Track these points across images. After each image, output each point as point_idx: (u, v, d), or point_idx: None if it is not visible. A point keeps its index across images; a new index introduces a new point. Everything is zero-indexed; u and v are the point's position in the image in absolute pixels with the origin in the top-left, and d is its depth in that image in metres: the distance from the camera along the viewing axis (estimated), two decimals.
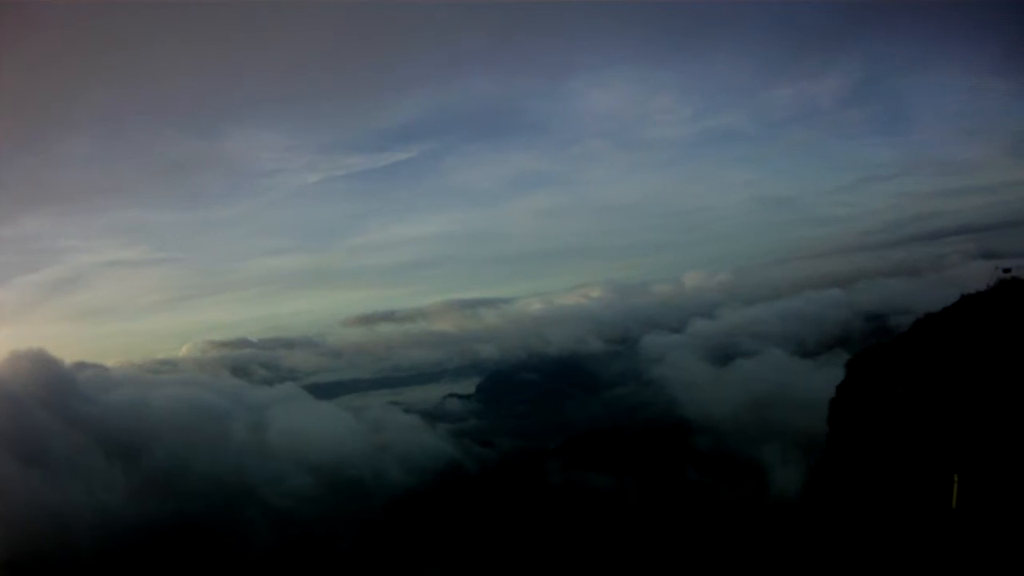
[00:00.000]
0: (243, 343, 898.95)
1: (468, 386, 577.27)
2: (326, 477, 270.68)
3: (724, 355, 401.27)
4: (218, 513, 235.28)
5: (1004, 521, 19.95)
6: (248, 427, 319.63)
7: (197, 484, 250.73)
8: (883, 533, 25.75)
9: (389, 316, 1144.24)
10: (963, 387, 32.70)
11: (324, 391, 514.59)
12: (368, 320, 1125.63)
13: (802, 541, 42.70)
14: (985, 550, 19.84)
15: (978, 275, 57.44)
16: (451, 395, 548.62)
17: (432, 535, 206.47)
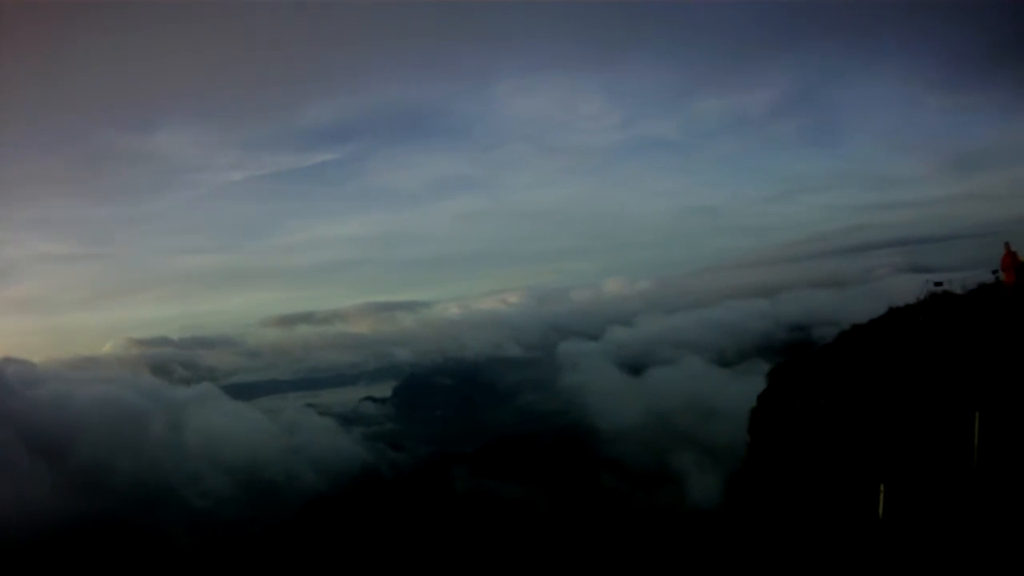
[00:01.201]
0: (164, 342, 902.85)
1: (385, 389, 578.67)
2: (242, 478, 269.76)
3: (641, 363, 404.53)
4: (138, 511, 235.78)
5: (930, 531, 19.61)
6: (167, 427, 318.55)
7: (118, 482, 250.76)
8: (806, 543, 25.32)
9: (307, 317, 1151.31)
10: (888, 399, 32.36)
11: (242, 392, 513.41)
12: (287, 321, 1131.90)
13: (721, 550, 42.40)
14: (912, 560, 19.50)
15: (907, 288, 57.56)
16: (367, 398, 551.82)
17: (345, 540, 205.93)
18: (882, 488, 20.21)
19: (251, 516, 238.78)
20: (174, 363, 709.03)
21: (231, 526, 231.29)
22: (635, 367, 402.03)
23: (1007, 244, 45.66)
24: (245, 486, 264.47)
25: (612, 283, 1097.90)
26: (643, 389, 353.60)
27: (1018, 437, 23.45)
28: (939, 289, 56.21)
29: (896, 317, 50.55)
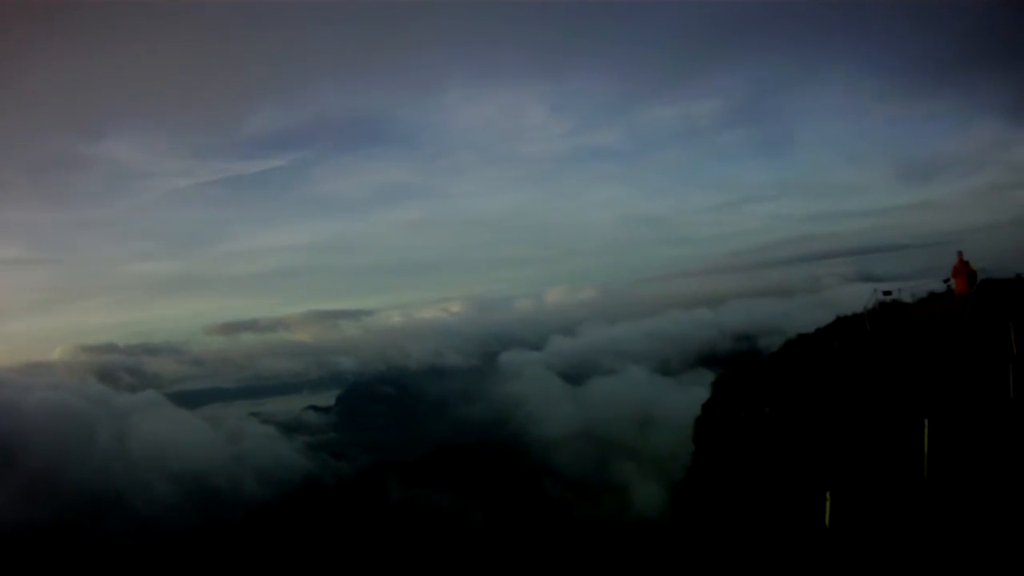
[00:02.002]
0: (110, 348, 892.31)
1: (328, 398, 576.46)
2: (188, 487, 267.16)
3: (584, 373, 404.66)
4: (86, 518, 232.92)
5: (879, 539, 19.34)
6: (113, 434, 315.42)
7: (66, 489, 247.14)
8: (752, 552, 24.97)
9: (251, 325, 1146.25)
10: (835, 407, 32.12)
11: (187, 399, 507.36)
12: (231, 329, 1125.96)
13: (666, 559, 42.12)
14: (860, 569, 19.22)
15: (855, 297, 57.62)
16: (310, 407, 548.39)
17: (288, 548, 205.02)
18: (828, 496, 19.91)
19: (197, 524, 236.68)
20: (121, 370, 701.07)
21: (178, 533, 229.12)
22: (577, 377, 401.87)
23: (959, 253, 45.63)
24: (191, 494, 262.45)
25: (555, 292, 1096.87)
26: (585, 399, 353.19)
27: (968, 445, 23.29)
28: (888, 298, 56.23)
29: (843, 326, 50.52)
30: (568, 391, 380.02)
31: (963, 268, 45.45)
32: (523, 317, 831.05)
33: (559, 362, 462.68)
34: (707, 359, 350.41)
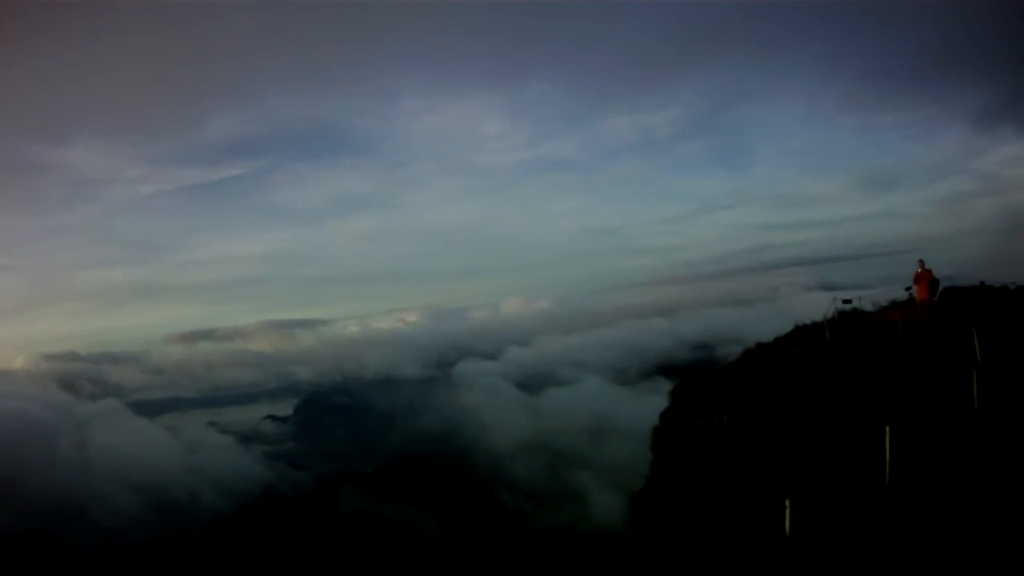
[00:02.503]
0: (72, 357, 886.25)
1: (286, 407, 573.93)
2: (148, 497, 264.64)
3: (540, 383, 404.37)
4: (49, 527, 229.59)
5: (838, 546, 19.19)
6: (75, 444, 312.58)
7: (28, 499, 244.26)
8: (712, 561, 24.77)
9: (209, 334, 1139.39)
10: (795, 415, 31.91)
11: (148, 408, 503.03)
12: (189, 338, 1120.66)
13: (625, 569, 41.89)
14: (821, 575, 19.10)
15: (814, 306, 57.43)
16: (269, 416, 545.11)
17: (249, 560, 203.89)
18: (788, 504, 19.70)
19: (158, 534, 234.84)
20: (82, 379, 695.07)
21: (139, 544, 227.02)
22: (533, 387, 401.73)
23: (921, 261, 45.86)
24: (151, 504, 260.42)
25: (511, 303, 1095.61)
26: (541, 409, 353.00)
27: (931, 452, 23.15)
28: (848, 306, 56.16)
29: (802, 334, 50.37)
30: (524, 401, 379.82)
31: (925, 275, 45.52)
32: (479, 327, 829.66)
33: (515, 372, 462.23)
34: (664, 369, 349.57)
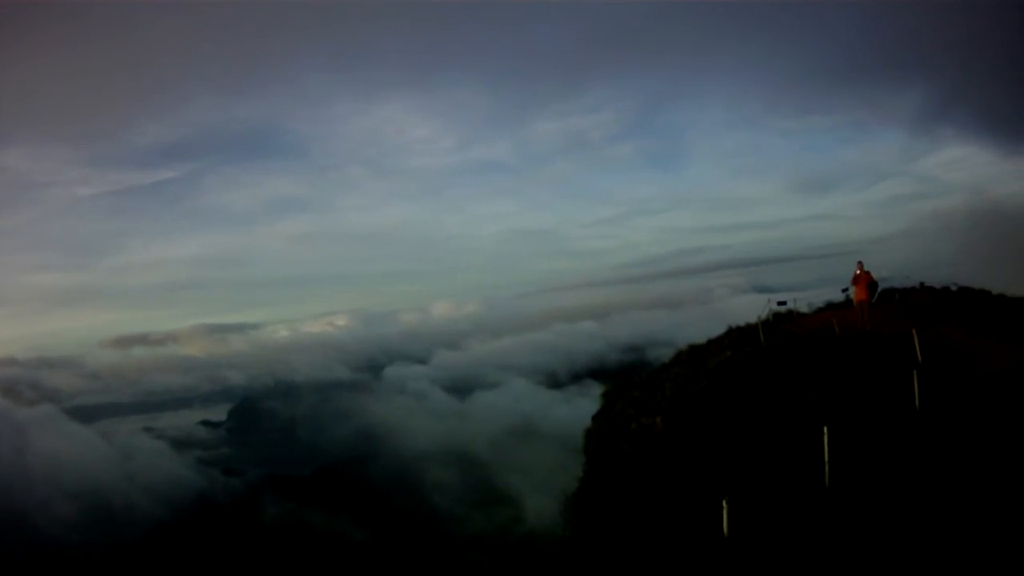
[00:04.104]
0: (10, 362, 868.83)
1: (220, 413, 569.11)
2: (86, 504, 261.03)
3: (468, 386, 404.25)
4: None
5: (777, 546, 18.74)
6: (13, 450, 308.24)
7: None
8: (648, 562, 24.16)
9: (143, 339, 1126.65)
10: (731, 416, 31.47)
11: (85, 414, 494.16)
12: (123, 343, 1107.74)
13: (561, 570, 41.31)
14: (759, 575, 18.65)
15: (748, 308, 57.07)
16: (203, 422, 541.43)
17: (184, 569, 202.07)
18: (725, 505, 19.21)
19: (98, 541, 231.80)
20: (21, 384, 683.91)
21: (78, 551, 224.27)
22: (462, 390, 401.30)
23: (859, 263, 45.65)
24: (90, 511, 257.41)
25: (441, 306, 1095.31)
26: (470, 412, 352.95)
27: (873, 454, 22.80)
28: (783, 308, 55.89)
29: (736, 336, 50.04)
30: (453, 405, 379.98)
31: (863, 277, 45.24)
32: (409, 331, 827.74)
33: (444, 376, 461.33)
34: (595, 372, 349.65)
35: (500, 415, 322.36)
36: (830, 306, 57.07)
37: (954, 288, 56.95)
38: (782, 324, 51.81)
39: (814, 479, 22.15)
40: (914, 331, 33.82)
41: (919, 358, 31.79)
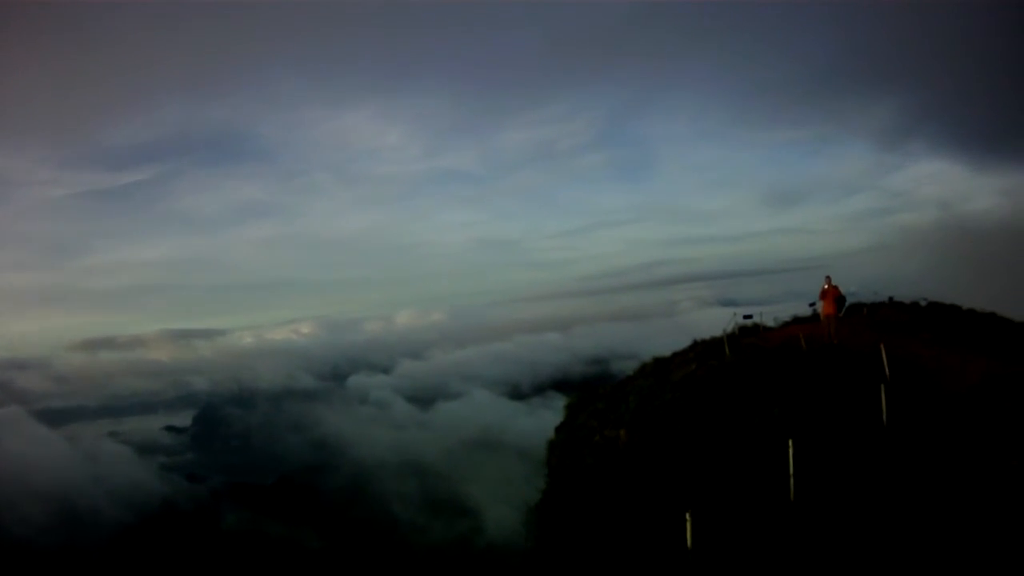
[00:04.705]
0: None
1: (185, 418, 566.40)
2: (53, 508, 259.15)
3: (431, 396, 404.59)
4: None
5: (742, 559, 18.65)
6: None
7: None
8: (613, 574, 23.93)
9: (110, 343, 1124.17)
10: (694, 430, 31.15)
11: (53, 417, 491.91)
12: (90, 346, 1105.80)
13: None
14: None
15: (714, 321, 56.78)
16: (168, 427, 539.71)
17: (145, 572, 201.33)
18: (688, 517, 18.97)
19: (65, 543, 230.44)
20: None
21: (46, 553, 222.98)
22: (425, 400, 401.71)
23: (827, 277, 45.65)
24: (56, 515, 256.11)
25: (405, 315, 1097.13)
26: (433, 423, 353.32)
27: (839, 468, 22.63)
28: (748, 321, 55.63)
29: (701, 349, 49.78)
30: (415, 415, 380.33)
31: (831, 291, 45.13)
32: (373, 339, 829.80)
33: (407, 386, 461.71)
34: (558, 383, 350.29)
35: (462, 426, 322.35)
36: (797, 320, 56.91)
37: (923, 303, 56.98)
38: (748, 338, 51.52)
39: (779, 492, 21.94)
40: (882, 346, 33.61)
41: (887, 373, 31.60)
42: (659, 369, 47.95)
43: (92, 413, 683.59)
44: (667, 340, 60.73)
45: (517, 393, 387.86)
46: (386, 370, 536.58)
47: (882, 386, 26.62)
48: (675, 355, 50.69)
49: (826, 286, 45.26)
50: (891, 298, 59.60)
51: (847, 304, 48.85)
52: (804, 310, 56.12)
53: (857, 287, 60.23)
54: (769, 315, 58.68)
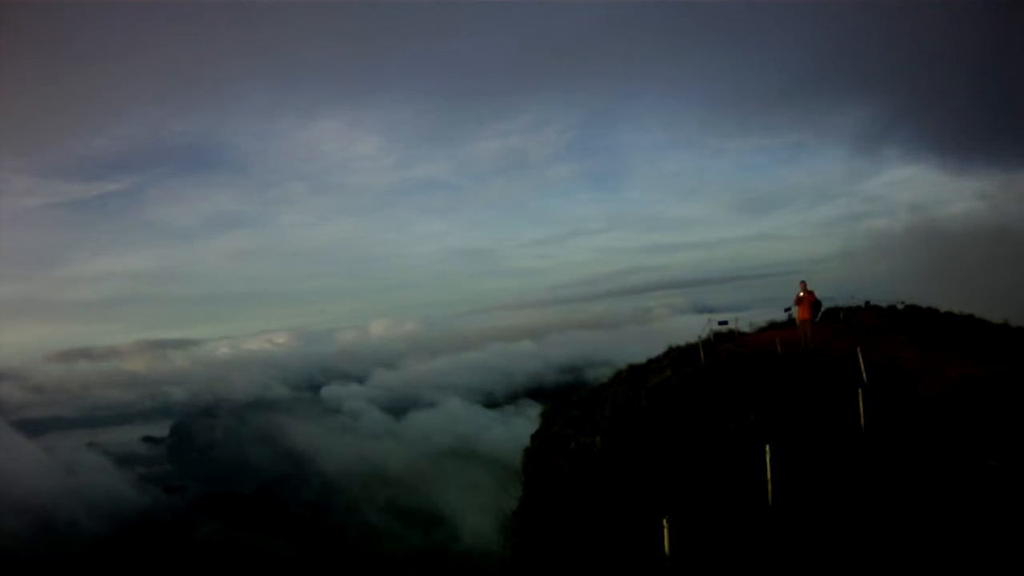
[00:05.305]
0: None
1: (162, 428, 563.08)
2: (29, 518, 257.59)
3: (405, 406, 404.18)
4: None
5: (719, 564, 18.93)
6: None
7: None
8: None
9: (87, 353, 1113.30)
10: (670, 436, 30.99)
11: (30, 427, 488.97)
12: (67, 356, 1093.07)
13: None
14: None
15: (689, 329, 56.57)
16: (146, 437, 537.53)
17: None
18: (666, 523, 18.78)
19: (40, 555, 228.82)
20: None
21: (20, 564, 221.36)
22: (398, 410, 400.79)
23: (803, 283, 45.66)
24: (34, 525, 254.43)
25: (379, 324, 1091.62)
26: (407, 432, 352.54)
27: (818, 472, 22.47)
28: (724, 328, 55.49)
29: (676, 356, 49.60)
30: (389, 424, 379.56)
31: (807, 297, 44.99)
32: (347, 349, 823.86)
33: (381, 395, 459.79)
34: (532, 392, 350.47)
35: (436, 435, 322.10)
36: (773, 326, 56.76)
37: (900, 307, 56.87)
38: (723, 344, 51.38)
39: (757, 497, 21.82)
40: (859, 349, 33.49)
41: (864, 377, 31.48)
42: (634, 376, 47.76)
43: (70, 423, 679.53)
44: (641, 347, 60.46)
45: (491, 401, 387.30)
46: (360, 380, 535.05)
47: (859, 390, 26.47)
48: (650, 362, 50.52)
49: (802, 292, 45.14)
50: (868, 302, 59.52)
51: (823, 309, 48.81)
52: (780, 316, 56.07)
53: (834, 292, 60.31)
54: (744, 321, 58.52)
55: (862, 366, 32.20)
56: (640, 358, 51.99)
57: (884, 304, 58.35)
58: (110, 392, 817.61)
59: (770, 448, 21.63)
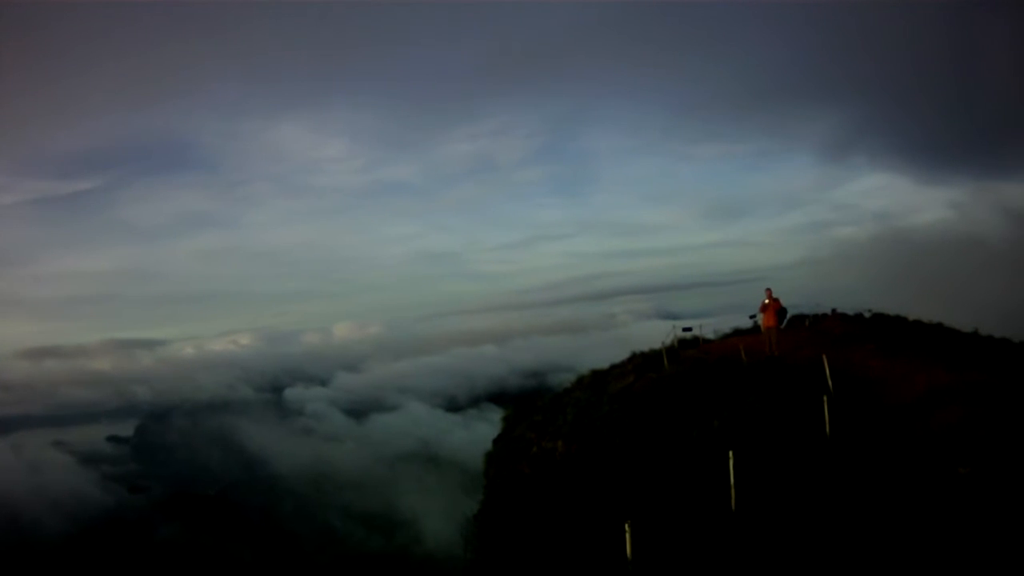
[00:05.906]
0: None
1: (127, 428, 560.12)
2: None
3: (367, 409, 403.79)
4: None
5: (681, 568, 19.25)
6: None
7: None
8: None
9: (55, 351, 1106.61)
10: (633, 441, 30.78)
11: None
12: (35, 354, 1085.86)
13: None
14: None
15: (653, 334, 56.45)
16: (112, 437, 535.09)
17: None
18: (628, 528, 18.55)
19: (7, 554, 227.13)
20: None
21: None
22: (361, 413, 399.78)
23: (768, 290, 45.10)
24: (2, 524, 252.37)
25: (343, 327, 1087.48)
26: (369, 435, 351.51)
27: (782, 479, 22.29)
28: (688, 334, 55.35)
29: (639, 362, 49.47)
30: (351, 427, 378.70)
31: (772, 304, 44.78)
32: (311, 351, 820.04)
33: (343, 398, 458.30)
34: (495, 396, 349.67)
35: (398, 438, 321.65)
36: (737, 333, 56.70)
37: (867, 315, 56.79)
38: (687, 350, 51.27)
39: (720, 503, 21.68)
40: (824, 357, 33.32)
41: (830, 384, 31.30)
42: (597, 381, 47.63)
43: (37, 422, 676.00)
44: (605, 353, 60.24)
45: (453, 405, 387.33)
46: (323, 382, 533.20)
47: (825, 397, 26.28)
48: (613, 367, 50.39)
49: (767, 299, 44.88)
50: (834, 310, 59.50)
51: (788, 316, 48.68)
52: (745, 323, 55.98)
53: (800, 299, 60.31)
54: (709, 328, 58.50)
55: (828, 374, 32.00)
56: (604, 363, 51.80)
57: (851, 312, 58.32)
58: (77, 391, 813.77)
59: (733, 454, 21.39)
